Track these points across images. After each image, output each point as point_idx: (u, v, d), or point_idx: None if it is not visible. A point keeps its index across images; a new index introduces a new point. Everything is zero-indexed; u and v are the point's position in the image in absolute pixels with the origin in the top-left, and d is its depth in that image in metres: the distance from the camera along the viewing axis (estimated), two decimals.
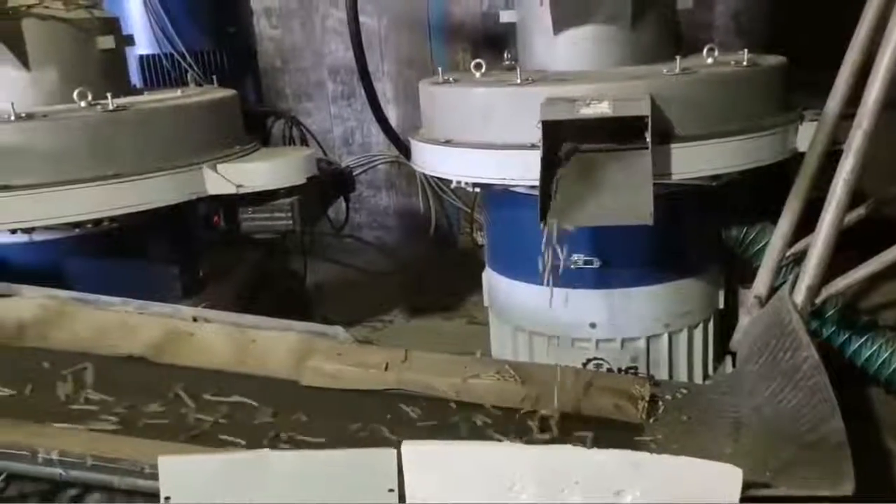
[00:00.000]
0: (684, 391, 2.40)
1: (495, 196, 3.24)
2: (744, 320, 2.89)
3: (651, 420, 2.22)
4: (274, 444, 2.05)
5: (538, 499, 1.62)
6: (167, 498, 1.69)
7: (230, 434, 2.08)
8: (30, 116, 2.90)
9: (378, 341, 3.76)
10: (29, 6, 3.12)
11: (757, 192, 3.13)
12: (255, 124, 4.09)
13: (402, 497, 1.67)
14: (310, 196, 3.31)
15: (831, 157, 2.73)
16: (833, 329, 2.84)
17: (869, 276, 2.69)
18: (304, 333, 2.59)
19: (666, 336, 3.16)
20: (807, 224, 2.77)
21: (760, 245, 3.04)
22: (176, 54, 4.27)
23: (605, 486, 1.60)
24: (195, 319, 2.63)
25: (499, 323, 3.47)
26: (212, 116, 3.28)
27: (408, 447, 1.67)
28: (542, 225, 2.54)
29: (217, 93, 3.48)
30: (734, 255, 3.19)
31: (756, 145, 2.84)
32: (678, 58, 2.81)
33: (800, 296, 2.59)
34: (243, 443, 2.03)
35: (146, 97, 3.37)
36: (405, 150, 3.82)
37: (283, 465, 1.69)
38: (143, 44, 4.21)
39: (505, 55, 3.51)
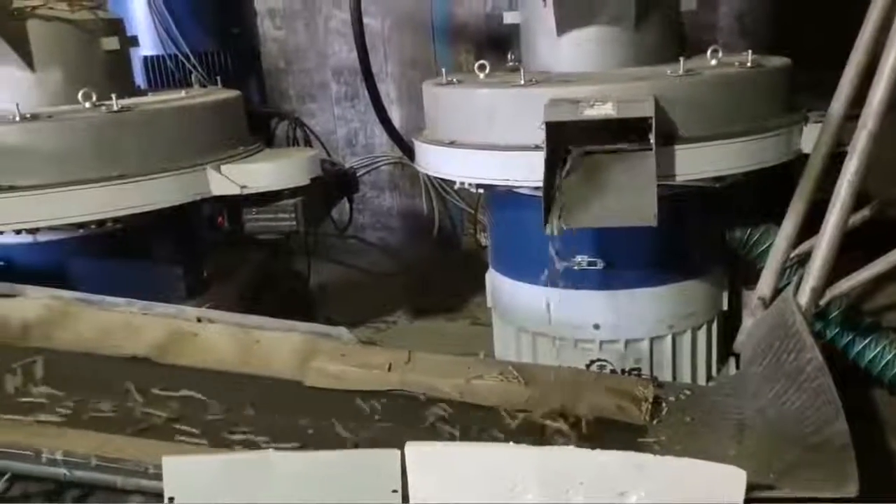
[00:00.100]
0: (688, 393, 2.40)
1: (499, 197, 3.24)
2: (747, 322, 2.89)
3: (654, 422, 2.22)
4: (223, 439, 2.05)
5: (542, 499, 1.62)
6: (171, 498, 1.70)
7: (180, 428, 2.10)
8: (34, 117, 2.91)
9: (381, 342, 3.76)
10: (34, 7, 3.13)
11: (761, 194, 3.13)
12: (259, 125, 4.09)
13: (405, 498, 1.67)
14: (313, 197, 3.31)
15: (836, 159, 2.73)
16: (837, 331, 2.84)
17: (873, 278, 2.69)
18: (307, 334, 2.59)
19: (669, 337, 3.16)
20: (811, 225, 2.77)
21: (764, 246, 3.04)
22: (180, 55, 4.28)
23: (609, 487, 1.60)
24: (199, 320, 2.63)
25: (502, 324, 3.47)
26: (216, 117, 3.29)
27: (411, 448, 1.67)
28: (545, 226, 2.54)
29: (221, 94, 3.48)
30: (738, 256, 3.19)
31: (760, 147, 2.84)
32: (682, 59, 2.80)
33: (804, 297, 2.59)
34: (197, 432, 2.04)
35: (150, 98, 3.38)
36: (409, 152, 3.82)
37: (288, 466, 1.70)
38: (148, 45, 4.22)
39: (508, 56, 3.51)
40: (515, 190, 2.99)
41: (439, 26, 5.56)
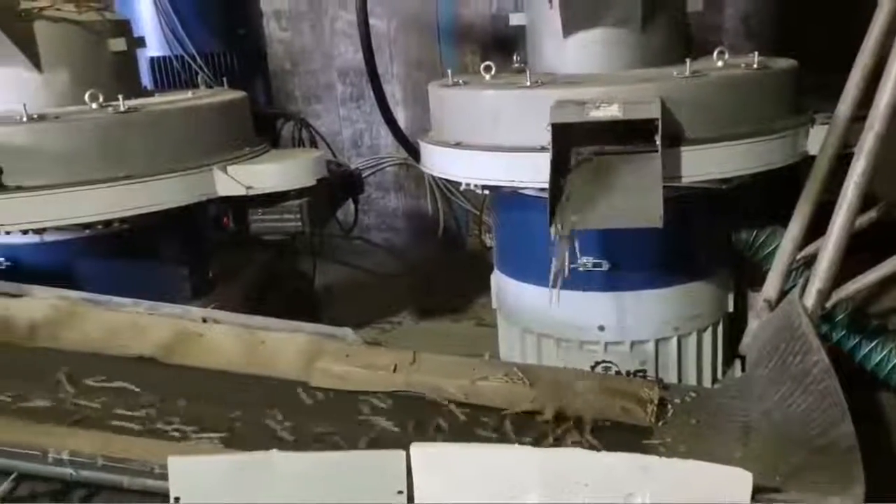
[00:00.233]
0: (693, 395, 2.39)
1: (504, 198, 3.24)
2: (753, 324, 2.88)
3: (660, 423, 2.21)
4: (152, 429, 2.06)
5: (547, 500, 1.62)
6: (177, 498, 1.70)
7: (112, 420, 2.10)
8: (42, 118, 2.93)
9: (386, 343, 3.74)
10: (41, 8, 3.15)
11: (767, 196, 3.12)
12: (265, 126, 4.10)
13: (410, 498, 1.67)
14: (319, 198, 3.32)
15: (842, 160, 2.72)
16: (843, 333, 2.83)
17: (880, 280, 2.68)
18: (313, 335, 2.59)
19: (675, 339, 3.16)
20: (817, 227, 2.76)
21: (770, 248, 3.03)
22: (186, 56, 4.29)
23: (614, 488, 1.60)
24: (205, 320, 2.63)
25: (507, 325, 3.47)
26: (222, 118, 3.30)
27: (416, 449, 1.68)
28: (551, 227, 2.54)
29: (227, 95, 3.49)
30: (744, 258, 3.18)
31: (766, 148, 2.83)
32: (688, 60, 2.80)
33: (810, 299, 2.58)
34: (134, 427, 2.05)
35: (157, 99, 3.39)
36: (414, 153, 3.83)
37: (293, 466, 1.70)
38: (154, 46, 4.24)
39: (514, 58, 3.51)
40: (521, 191, 2.99)
41: (445, 27, 5.57)
